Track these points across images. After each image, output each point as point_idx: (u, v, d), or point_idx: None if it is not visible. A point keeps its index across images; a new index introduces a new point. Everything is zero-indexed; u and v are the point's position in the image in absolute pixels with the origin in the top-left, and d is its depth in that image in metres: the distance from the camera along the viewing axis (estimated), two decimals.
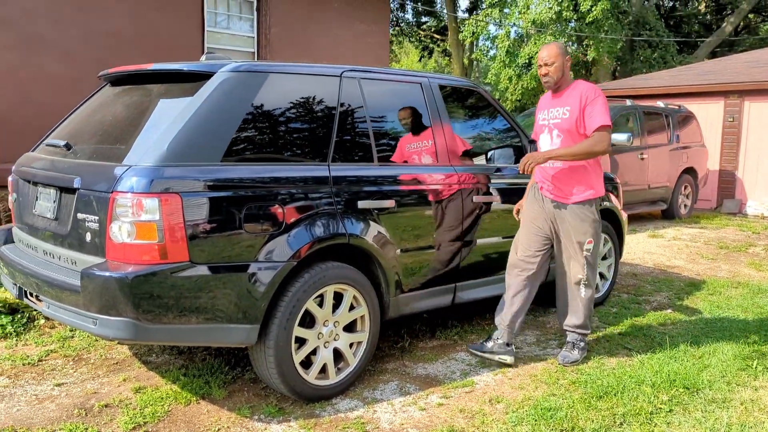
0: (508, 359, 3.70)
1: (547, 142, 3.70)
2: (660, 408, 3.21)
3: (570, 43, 19.37)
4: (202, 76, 3.07)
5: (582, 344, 3.86)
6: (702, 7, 24.31)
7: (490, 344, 3.74)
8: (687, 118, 10.59)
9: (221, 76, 3.03)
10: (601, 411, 3.16)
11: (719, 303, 5.25)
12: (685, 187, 10.48)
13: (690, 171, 10.46)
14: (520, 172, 3.55)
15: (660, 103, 10.53)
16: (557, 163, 3.63)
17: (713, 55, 20.91)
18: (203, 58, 3.36)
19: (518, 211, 3.91)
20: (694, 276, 6.34)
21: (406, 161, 3.68)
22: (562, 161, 3.60)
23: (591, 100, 3.53)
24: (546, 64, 3.62)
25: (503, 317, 3.77)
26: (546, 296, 4.47)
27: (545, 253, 3.77)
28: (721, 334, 4.39)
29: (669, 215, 10.28)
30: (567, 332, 3.90)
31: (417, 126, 3.80)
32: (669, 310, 5.02)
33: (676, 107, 10.60)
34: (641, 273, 6.43)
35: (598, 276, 4.98)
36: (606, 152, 3.55)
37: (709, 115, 11.76)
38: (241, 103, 3.04)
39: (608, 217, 5.01)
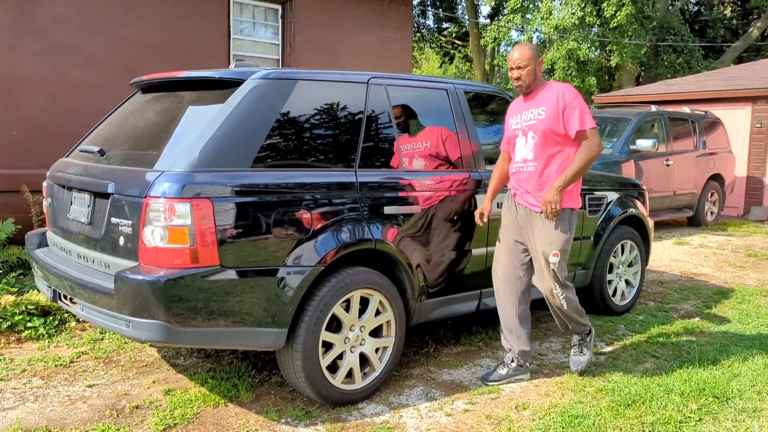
0: (525, 377, 3.64)
1: (522, 144, 3.53)
2: (689, 417, 3.17)
3: (593, 48, 19.22)
4: (232, 84, 3.12)
5: (587, 339, 3.73)
6: (728, 12, 23.99)
7: (503, 371, 3.62)
8: (713, 123, 10.44)
9: (251, 84, 3.08)
10: (629, 419, 3.13)
11: (748, 311, 5.17)
12: (712, 194, 10.33)
13: (716, 177, 10.31)
14: (546, 218, 3.36)
15: (686, 109, 10.39)
16: (529, 169, 3.47)
17: (740, 60, 20.58)
18: (233, 65, 3.41)
19: (481, 215, 3.66)
20: (721, 284, 6.25)
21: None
22: (536, 167, 3.44)
23: (569, 101, 3.37)
24: (518, 67, 3.46)
25: (509, 340, 3.63)
26: None
27: (531, 261, 3.58)
28: (751, 342, 4.33)
29: (695, 222, 10.14)
30: (570, 337, 3.84)
31: (412, 126, 3.71)
32: (697, 318, 4.96)
33: (703, 113, 10.46)
34: (668, 280, 6.35)
35: (614, 273, 4.94)
36: (601, 150, 3.38)
37: (736, 120, 11.59)
38: (271, 109, 3.09)
39: (634, 223, 4.97)
